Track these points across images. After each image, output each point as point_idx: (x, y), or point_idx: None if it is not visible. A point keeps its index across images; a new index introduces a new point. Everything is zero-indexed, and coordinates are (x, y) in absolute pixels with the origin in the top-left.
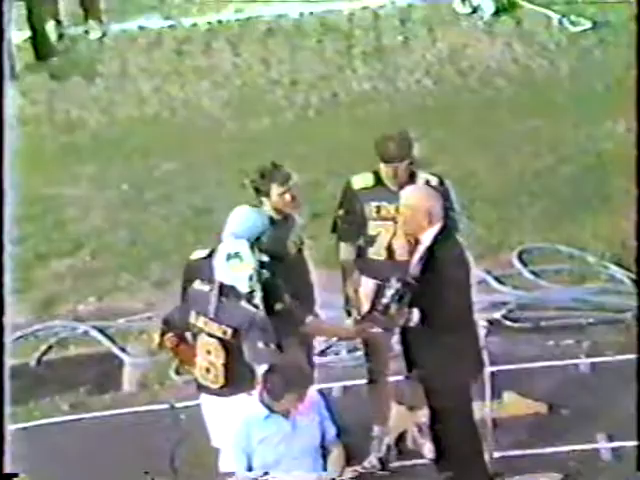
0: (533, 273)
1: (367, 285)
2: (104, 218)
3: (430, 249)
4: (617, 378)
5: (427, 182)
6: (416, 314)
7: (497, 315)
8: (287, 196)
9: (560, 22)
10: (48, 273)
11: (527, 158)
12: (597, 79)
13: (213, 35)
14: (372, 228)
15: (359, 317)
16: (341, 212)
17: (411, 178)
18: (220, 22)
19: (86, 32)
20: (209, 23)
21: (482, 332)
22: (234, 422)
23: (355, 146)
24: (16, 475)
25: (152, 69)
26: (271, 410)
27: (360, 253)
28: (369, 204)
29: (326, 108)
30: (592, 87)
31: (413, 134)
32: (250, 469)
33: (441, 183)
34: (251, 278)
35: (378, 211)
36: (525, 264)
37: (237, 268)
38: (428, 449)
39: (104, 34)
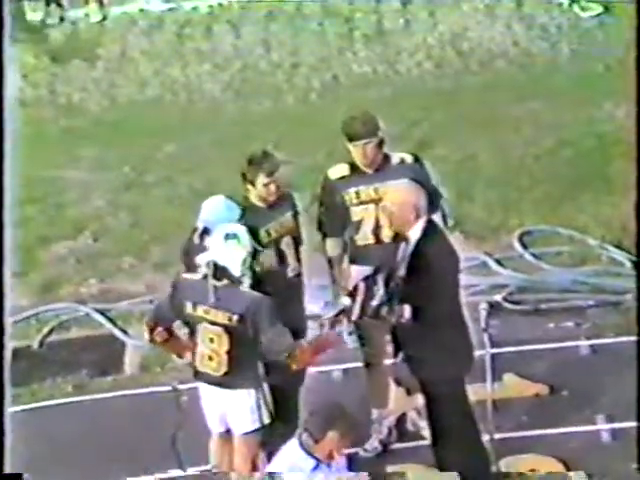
0: (533, 255)
1: (356, 276)
2: (105, 201)
3: (417, 244)
4: (617, 360)
5: (402, 161)
6: (407, 310)
7: (498, 297)
8: (272, 187)
9: (570, 6)
10: (50, 256)
11: (527, 141)
12: (598, 61)
13: (214, 18)
14: (355, 214)
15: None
16: (322, 209)
17: (385, 159)
18: (221, 5)
19: (87, 15)
20: (210, 6)
21: (483, 314)
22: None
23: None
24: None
25: (153, 52)
26: (314, 457)
27: (347, 245)
28: (347, 192)
29: (327, 91)
30: (593, 69)
31: (414, 116)
32: None
33: (416, 160)
34: (244, 262)
35: (358, 196)
36: (525, 246)
37: (234, 249)
38: (425, 429)
39: (105, 17)
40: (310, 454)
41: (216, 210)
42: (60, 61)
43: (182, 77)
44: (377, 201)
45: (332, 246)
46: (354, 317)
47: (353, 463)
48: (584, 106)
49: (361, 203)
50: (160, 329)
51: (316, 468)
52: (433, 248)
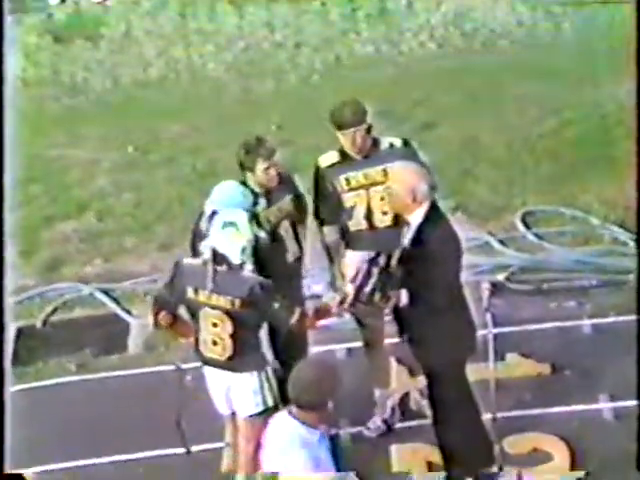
0: (536, 235)
1: (353, 262)
2: (109, 180)
3: (418, 229)
4: (619, 339)
5: (391, 145)
6: (404, 295)
7: (500, 277)
8: (271, 171)
9: None
10: (54, 235)
11: (531, 121)
12: (601, 42)
13: None
14: (347, 201)
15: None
16: (316, 197)
17: (374, 144)
18: None
19: None
20: None
21: (485, 294)
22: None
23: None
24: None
25: (156, 32)
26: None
27: (343, 231)
28: (338, 179)
29: (330, 71)
30: (596, 50)
31: (417, 97)
32: None
33: (405, 144)
34: (244, 250)
35: (348, 183)
36: (528, 226)
37: (232, 237)
38: (427, 408)
39: None
40: (311, 426)
41: (230, 194)
42: (63, 41)
43: (185, 57)
44: (368, 187)
45: (329, 233)
46: (347, 304)
47: (356, 442)
48: (588, 86)
49: (351, 189)
50: (164, 313)
51: (321, 439)
52: (435, 233)
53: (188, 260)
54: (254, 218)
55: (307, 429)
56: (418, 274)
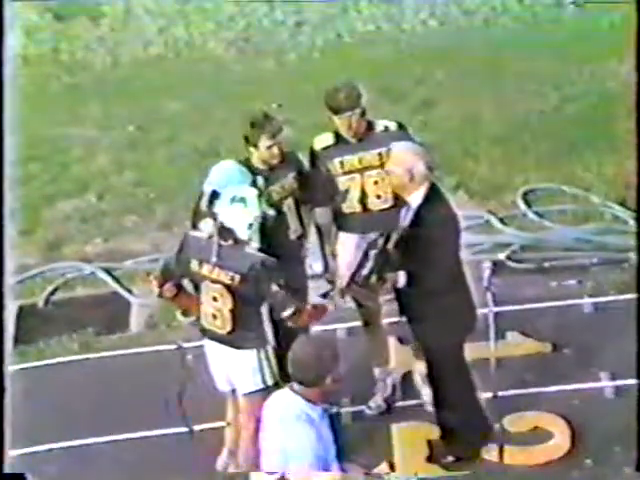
0: (537, 214)
1: (346, 245)
2: (109, 159)
3: (417, 210)
4: (620, 317)
5: (385, 128)
6: (402, 277)
7: (501, 256)
8: (275, 149)
9: None
10: (54, 214)
11: (531, 98)
12: (602, 18)
13: None
14: (341, 184)
15: (339, 290)
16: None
17: (369, 127)
18: None
19: None
20: None
21: (486, 273)
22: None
23: (359, 87)
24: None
25: (157, 10)
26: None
27: (336, 213)
28: (332, 162)
29: (331, 49)
30: (597, 26)
31: (418, 74)
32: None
33: (400, 127)
34: (251, 226)
35: (342, 166)
36: (529, 205)
37: (239, 213)
38: (427, 395)
39: None
40: (312, 402)
41: (228, 174)
42: (63, 19)
43: (186, 35)
44: (362, 170)
45: (321, 214)
46: (342, 286)
47: (357, 421)
48: (588, 63)
49: (346, 173)
50: (169, 284)
51: (322, 415)
52: (434, 214)
53: (195, 233)
54: (263, 195)
55: (309, 405)
56: (417, 255)
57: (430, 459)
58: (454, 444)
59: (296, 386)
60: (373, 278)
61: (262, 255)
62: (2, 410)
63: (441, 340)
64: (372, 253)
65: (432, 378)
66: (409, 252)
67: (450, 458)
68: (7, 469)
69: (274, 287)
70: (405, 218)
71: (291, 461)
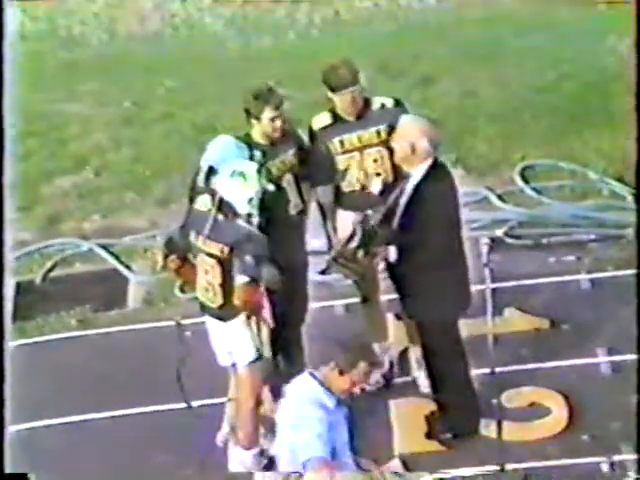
0: (535, 190)
1: (345, 222)
2: (107, 135)
3: (417, 185)
4: (617, 293)
5: (382, 105)
6: (392, 252)
7: (499, 232)
8: (277, 122)
9: None
10: (52, 190)
11: (529, 74)
12: None
13: None
14: (340, 163)
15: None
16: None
17: (366, 105)
18: None
19: None
20: None
21: (484, 249)
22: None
23: (357, 65)
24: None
25: None
26: (331, 392)
27: (337, 192)
28: (332, 141)
29: (328, 26)
30: (595, 1)
31: (416, 51)
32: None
33: (397, 104)
34: (250, 201)
35: (342, 145)
36: (527, 181)
37: (239, 187)
38: (422, 382)
39: None
40: (329, 391)
41: (225, 149)
42: None
43: (183, 11)
44: (361, 149)
45: (322, 193)
46: (330, 257)
47: (355, 397)
48: (586, 40)
49: (345, 152)
50: (173, 256)
51: (338, 405)
52: (434, 190)
53: (197, 206)
54: (263, 170)
55: (325, 392)
56: (413, 230)
57: (429, 435)
58: (451, 421)
59: (324, 370)
60: (360, 252)
61: (250, 227)
62: (2, 386)
63: (434, 316)
64: (361, 227)
65: (426, 355)
66: (404, 226)
67: (448, 435)
68: (6, 444)
69: (247, 257)
70: (404, 193)
71: (298, 443)
